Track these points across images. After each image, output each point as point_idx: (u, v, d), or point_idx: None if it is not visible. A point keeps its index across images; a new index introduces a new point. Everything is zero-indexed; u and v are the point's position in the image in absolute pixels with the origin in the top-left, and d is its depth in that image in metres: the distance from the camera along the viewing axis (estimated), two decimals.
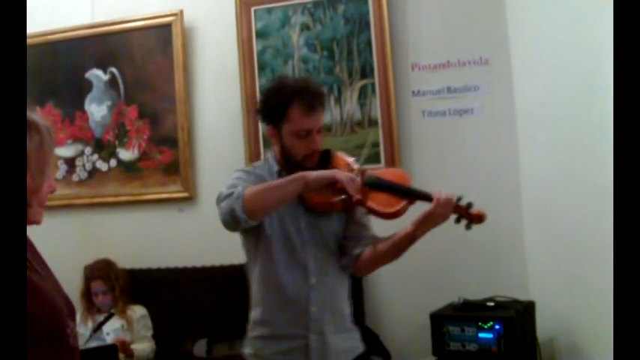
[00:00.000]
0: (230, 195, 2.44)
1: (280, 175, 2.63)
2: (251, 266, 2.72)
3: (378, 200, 2.61)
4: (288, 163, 2.64)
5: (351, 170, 2.61)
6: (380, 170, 2.77)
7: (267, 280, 2.64)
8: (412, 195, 2.63)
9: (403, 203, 2.59)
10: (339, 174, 2.48)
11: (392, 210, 2.58)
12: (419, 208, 2.61)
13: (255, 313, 2.71)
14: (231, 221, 2.44)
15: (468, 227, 2.61)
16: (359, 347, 2.76)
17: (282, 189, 2.46)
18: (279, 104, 2.58)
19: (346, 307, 2.74)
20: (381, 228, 2.73)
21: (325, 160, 2.69)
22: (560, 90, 3.31)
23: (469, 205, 2.59)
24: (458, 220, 2.61)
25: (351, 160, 2.74)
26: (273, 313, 2.64)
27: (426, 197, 2.59)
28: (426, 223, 2.56)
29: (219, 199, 2.50)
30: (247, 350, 2.72)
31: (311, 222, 2.65)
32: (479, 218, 2.59)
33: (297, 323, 2.61)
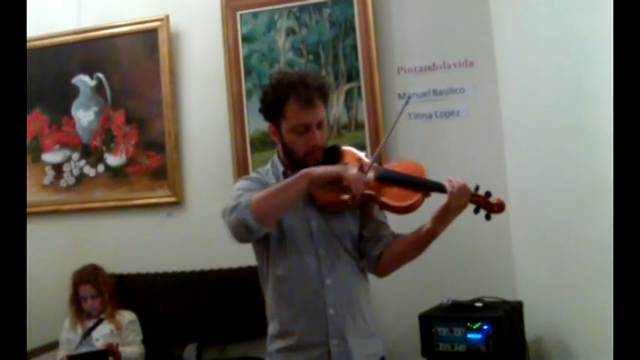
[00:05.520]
0: (237, 206, 2.33)
1: (286, 175, 2.53)
2: (263, 278, 2.60)
3: (391, 194, 2.47)
4: (292, 162, 2.54)
5: (363, 165, 2.44)
6: (394, 163, 2.61)
7: (279, 287, 2.52)
8: (426, 187, 2.48)
9: (417, 196, 2.44)
10: (346, 172, 2.35)
11: (406, 203, 2.44)
12: (437, 199, 2.47)
13: (272, 327, 2.57)
14: (244, 232, 2.33)
15: (487, 217, 2.48)
16: (380, 353, 2.63)
17: (288, 189, 2.34)
18: (275, 100, 2.48)
19: (367, 311, 2.58)
20: (398, 223, 2.61)
21: (333, 156, 2.56)
22: (545, 91, 3.33)
23: (488, 194, 2.47)
24: (477, 211, 2.49)
25: (362, 154, 2.62)
26: (290, 324, 2.50)
27: (441, 188, 2.43)
28: (445, 217, 2.42)
29: (226, 213, 2.37)
30: None
31: (323, 221, 2.51)
32: (499, 207, 2.46)
33: (316, 330, 2.46)
